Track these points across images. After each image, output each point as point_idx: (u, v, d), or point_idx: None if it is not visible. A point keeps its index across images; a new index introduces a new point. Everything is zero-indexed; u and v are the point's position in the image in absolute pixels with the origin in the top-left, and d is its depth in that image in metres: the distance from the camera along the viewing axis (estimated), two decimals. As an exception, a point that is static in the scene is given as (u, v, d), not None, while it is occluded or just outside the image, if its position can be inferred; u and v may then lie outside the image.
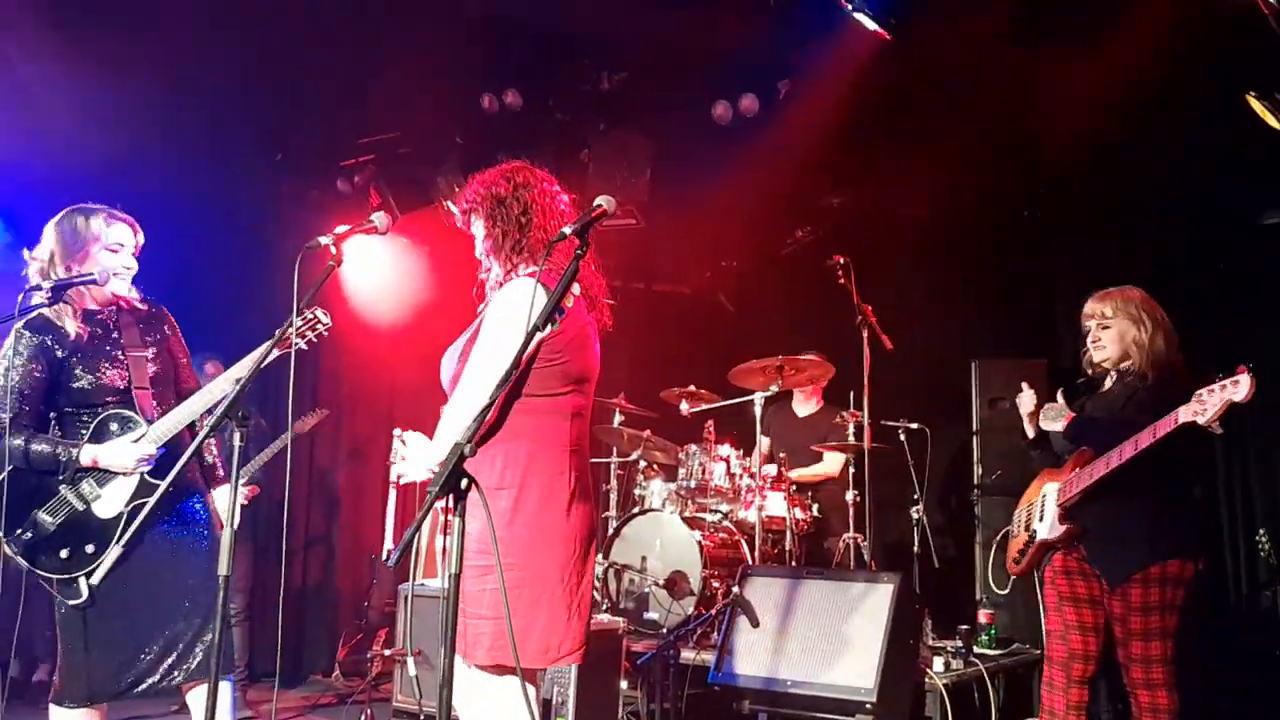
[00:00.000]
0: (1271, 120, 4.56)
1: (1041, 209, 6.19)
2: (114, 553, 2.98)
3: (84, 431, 3.11)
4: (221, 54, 5.05)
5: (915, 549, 5.58)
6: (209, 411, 3.13)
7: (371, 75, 5.53)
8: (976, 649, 4.76)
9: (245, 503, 4.63)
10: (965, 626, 4.79)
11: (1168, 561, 3.27)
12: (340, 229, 2.85)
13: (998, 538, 5.21)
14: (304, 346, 3.13)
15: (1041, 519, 3.56)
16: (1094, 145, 5.32)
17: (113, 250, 3.18)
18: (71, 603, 3.07)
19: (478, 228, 2.74)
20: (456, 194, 2.77)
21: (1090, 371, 3.65)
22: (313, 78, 5.52)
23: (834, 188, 6.62)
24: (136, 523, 3.03)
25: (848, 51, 4.95)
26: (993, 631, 4.96)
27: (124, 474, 3.10)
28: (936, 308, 6.51)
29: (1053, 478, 3.59)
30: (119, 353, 3.18)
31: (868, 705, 3.94)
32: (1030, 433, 3.70)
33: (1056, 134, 5.23)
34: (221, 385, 3.07)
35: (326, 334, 3.16)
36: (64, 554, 3.08)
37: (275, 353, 2.87)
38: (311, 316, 3.10)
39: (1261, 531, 5.05)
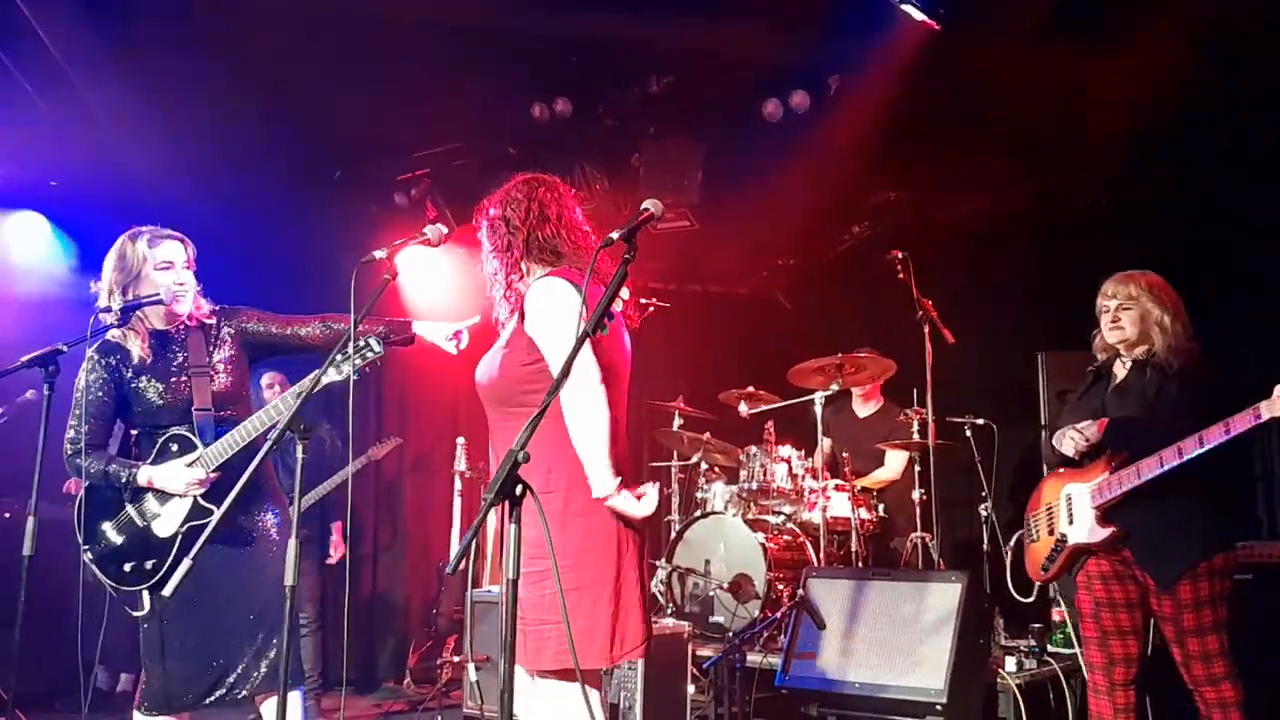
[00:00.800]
0: None
1: (1103, 201, 6.04)
2: (183, 568, 3.05)
3: (152, 451, 3.20)
4: (277, 73, 5.16)
5: (985, 547, 5.48)
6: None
7: (425, 89, 5.61)
8: (1050, 648, 4.66)
9: None
10: (1038, 625, 4.69)
11: (1214, 556, 3.20)
12: (395, 243, 2.91)
13: (1010, 543, 5.03)
14: (354, 376, 3.03)
15: (1072, 522, 3.42)
16: (1151, 139, 5.19)
17: (164, 269, 3.22)
18: (135, 614, 3.17)
19: (485, 239, 2.81)
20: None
21: (1100, 357, 3.53)
22: (367, 94, 5.62)
23: (889, 183, 6.55)
24: (200, 541, 3.08)
25: (897, 44, 4.90)
26: (1066, 630, 4.84)
27: (179, 496, 3.16)
28: (997, 302, 6.38)
29: (1073, 478, 3.44)
30: (184, 373, 3.24)
31: (938, 706, 3.88)
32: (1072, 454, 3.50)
33: (1113, 129, 5.11)
34: (278, 406, 3.11)
35: (379, 363, 3.08)
36: (127, 567, 3.17)
37: (334, 374, 2.92)
38: (363, 344, 3.04)
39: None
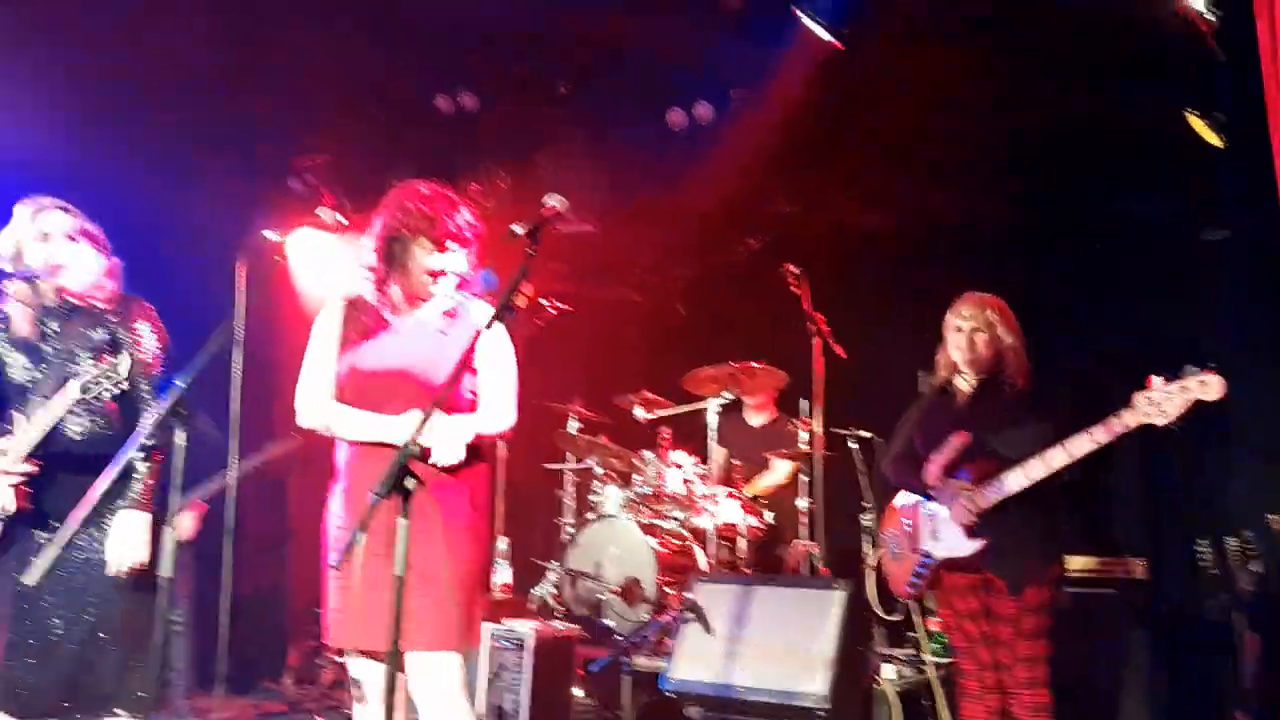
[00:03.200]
0: (1209, 136, 4.68)
1: (992, 221, 6.27)
2: (45, 558, 2.88)
3: (8, 428, 3.02)
4: (179, 51, 4.97)
5: (866, 556, 5.61)
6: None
7: (328, 74, 5.48)
8: (927, 656, 4.79)
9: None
10: (915, 633, 4.82)
11: (1055, 564, 3.46)
12: (288, 225, 2.83)
13: (870, 561, 5.19)
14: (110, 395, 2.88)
15: (936, 538, 3.52)
16: (1042, 156, 5.42)
17: (41, 240, 3.06)
18: None
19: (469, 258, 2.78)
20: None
21: (940, 375, 3.64)
22: (269, 76, 5.45)
23: (787, 196, 6.67)
24: (63, 534, 2.90)
25: (800, 60, 5.00)
26: (942, 638, 4.99)
27: None
28: (886, 317, 6.56)
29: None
30: (49, 354, 3.08)
31: (820, 712, 3.95)
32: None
33: (1007, 145, 5.32)
34: (60, 403, 2.90)
35: (117, 389, 2.88)
36: None
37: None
38: (112, 362, 2.86)
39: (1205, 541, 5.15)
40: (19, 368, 3.06)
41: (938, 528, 3.51)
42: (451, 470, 2.61)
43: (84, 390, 2.82)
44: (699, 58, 5.42)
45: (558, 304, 5.79)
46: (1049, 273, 5.91)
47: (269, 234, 2.80)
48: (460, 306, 2.79)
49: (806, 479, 5.71)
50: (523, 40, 5.44)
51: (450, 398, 2.58)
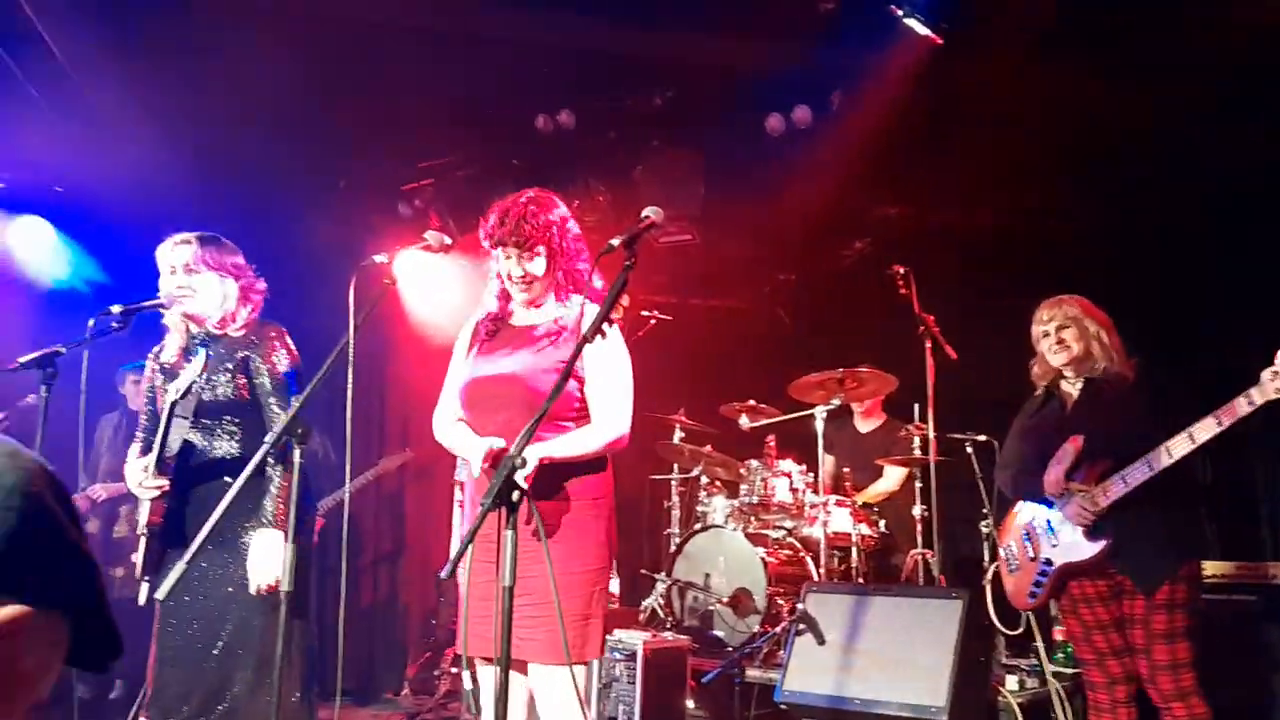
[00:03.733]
0: None
1: (1103, 219, 6.04)
2: (175, 573, 3.02)
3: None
4: (282, 80, 5.17)
5: (986, 564, 5.44)
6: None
7: (429, 100, 5.62)
8: (1052, 666, 4.62)
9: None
10: (1039, 644, 4.65)
11: (1192, 562, 3.25)
12: (396, 248, 2.92)
13: (987, 576, 5.01)
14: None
15: (1055, 545, 3.39)
16: (1152, 158, 5.20)
17: (169, 273, 3.24)
18: (140, 603, 3.16)
19: (539, 258, 2.82)
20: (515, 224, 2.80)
21: (1041, 385, 3.56)
22: (372, 104, 5.63)
23: (892, 199, 6.54)
24: (193, 548, 3.04)
25: (901, 59, 4.90)
26: (1068, 649, 4.80)
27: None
28: (999, 317, 6.36)
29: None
30: (189, 380, 3.20)
31: (938, 723, 3.85)
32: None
33: (1113, 145, 5.12)
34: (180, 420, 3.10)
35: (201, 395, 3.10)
36: (133, 557, 3.19)
37: None
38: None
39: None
40: (171, 392, 3.21)
41: (1057, 534, 3.39)
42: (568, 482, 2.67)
43: (179, 394, 3.01)
44: (796, 62, 5.36)
45: (659, 314, 5.79)
46: (1157, 267, 5.67)
47: (378, 257, 2.87)
48: (568, 315, 2.82)
49: (920, 485, 5.57)
50: (618, 56, 5.48)
51: (553, 407, 2.61)
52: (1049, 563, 3.40)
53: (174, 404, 3.02)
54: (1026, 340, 3.57)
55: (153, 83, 5.22)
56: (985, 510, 5.48)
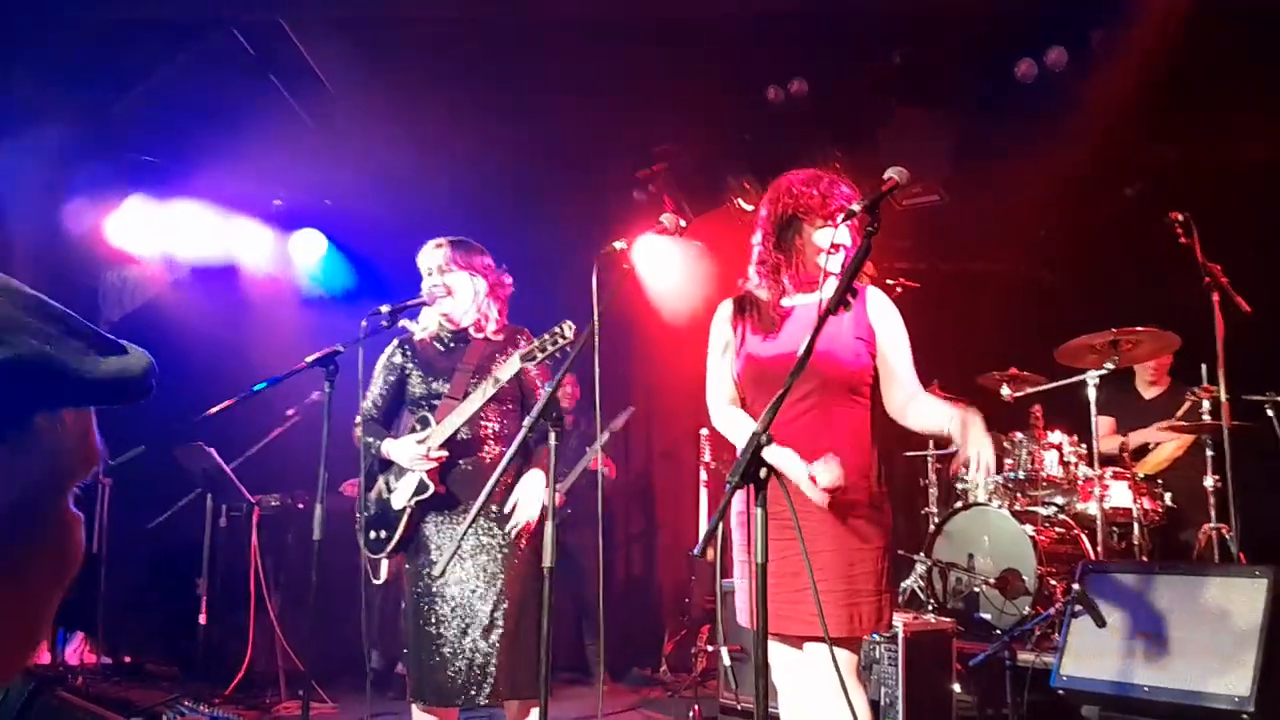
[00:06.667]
0: None
1: None
2: (448, 552, 3.20)
3: (415, 425, 3.39)
4: (523, 88, 5.39)
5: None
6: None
7: (659, 84, 5.66)
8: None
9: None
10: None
11: None
12: (634, 234, 2.94)
13: None
14: (547, 361, 3.14)
15: None
16: None
17: (426, 275, 3.45)
18: (375, 582, 3.38)
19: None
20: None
21: None
22: (605, 94, 5.73)
23: (1167, 138, 5.92)
24: (465, 527, 3.21)
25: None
26: None
27: (411, 470, 3.32)
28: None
29: None
30: (452, 369, 3.41)
31: (1243, 716, 3.45)
32: None
33: None
34: (485, 388, 3.22)
35: (569, 347, 3.09)
36: (373, 535, 3.40)
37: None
38: (557, 329, 3.09)
39: None
40: (418, 382, 3.43)
41: None
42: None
43: (528, 359, 3.11)
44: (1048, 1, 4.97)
45: (905, 281, 5.54)
46: None
47: (618, 244, 2.91)
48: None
49: (1212, 454, 5.03)
50: (849, 16, 5.27)
51: (848, 380, 2.70)
52: None
53: (523, 361, 3.14)
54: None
55: (409, 104, 5.59)
56: (1293, 479, 4.89)
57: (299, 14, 5.20)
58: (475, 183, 6.39)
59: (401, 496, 3.33)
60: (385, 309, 3.42)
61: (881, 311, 2.78)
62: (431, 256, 3.44)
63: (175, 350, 6.38)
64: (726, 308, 2.93)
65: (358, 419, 3.49)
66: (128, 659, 6.08)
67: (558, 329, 3.08)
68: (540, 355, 3.08)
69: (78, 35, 5.03)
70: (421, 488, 3.28)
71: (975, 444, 2.57)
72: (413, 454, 3.27)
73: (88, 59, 5.26)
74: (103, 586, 5.64)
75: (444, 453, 3.26)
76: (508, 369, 3.16)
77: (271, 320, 6.79)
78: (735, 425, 2.78)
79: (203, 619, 5.38)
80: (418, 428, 3.36)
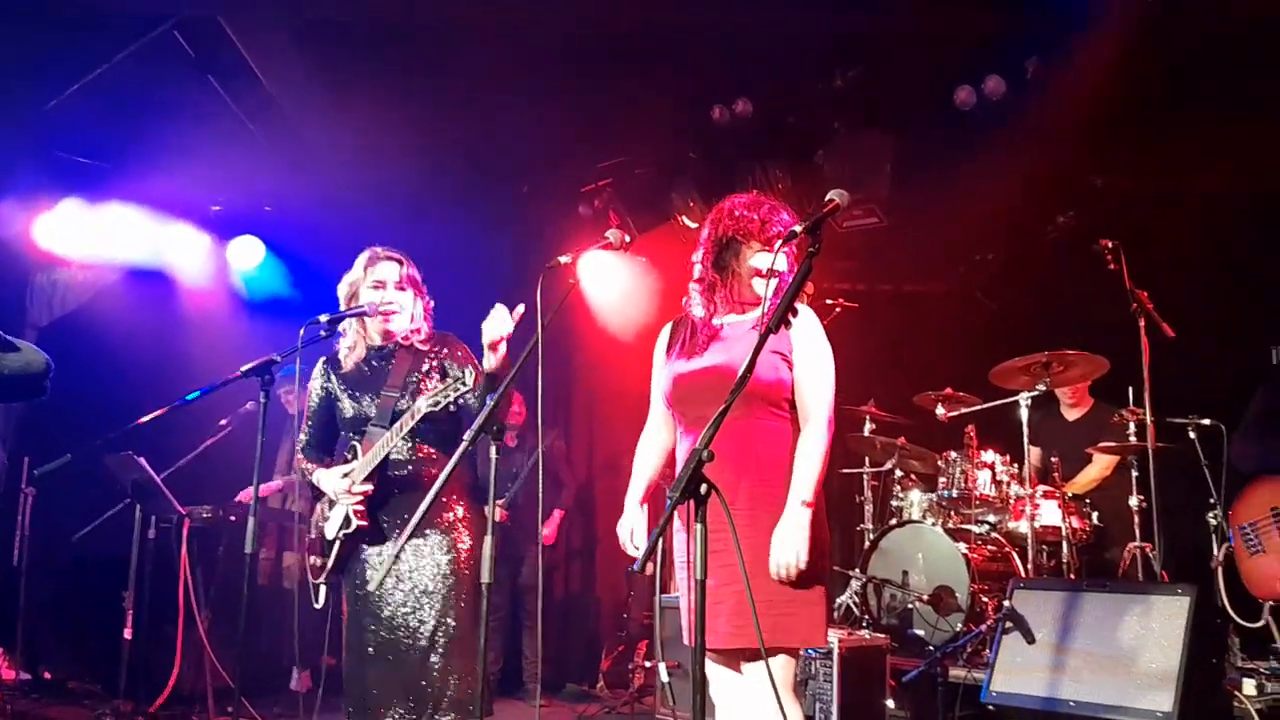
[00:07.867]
0: None
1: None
2: (380, 572, 3.17)
3: (346, 455, 3.34)
4: (466, 95, 5.37)
5: (1215, 558, 5.00)
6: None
7: (605, 100, 5.69)
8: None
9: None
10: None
11: None
12: (579, 249, 2.95)
13: (1217, 558, 4.55)
14: (451, 408, 3.15)
15: None
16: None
17: (375, 287, 3.36)
18: (316, 607, 3.35)
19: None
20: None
21: None
22: (551, 109, 5.74)
23: (1098, 169, 6.11)
24: (395, 549, 3.19)
25: (1106, 22, 4.56)
26: (1319, 651, 4.35)
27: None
28: (1223, 291, 5.84)
29: None
30: (380, 388, 3.35)
31: (1166, 731, 3.56)
32: None
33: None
34: (396, 430, 3.20)
35: (463, 400, 3.13)
36: (315, 561, 3.36)
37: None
38: (458, 376, 3.17)
39: None
40: (347, 404, 3.37)
41: None
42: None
43: (433, 405, 3.08)
44: (984, 31, 5.09)
45: (844, 302, 5.63)
46: None
47: (563, 258, 2.91)
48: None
49: (1137, 474, 5.18)
50: (794, 38, 5.35)
51: (764, 393, 2.71)
52: None
53: (431, 407, 3.11)
54: (1255, 315, 3.24)
55: (353, 107, 5.53)
56: (1212, 499, 5.04)
57: (237, 11, 5.10)
58: (418, 192, 6.33)
59: (332, 527, 3.31)
60: (324, 318, 3.35)
61: (804, 333, 2.81)
62: (386, 269, 3.39)
63: (107, 357, 6.27)
64: (665, 332, 3.00)
65: (297, 449, 3.49)
66: (48, 675, 5.88)
67: (459, 376, 3.15)
68: (444, 401, 3.08)
69: (11, 33, 4.90)
70: (347, 522, 3.25)
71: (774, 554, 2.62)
72: (337, 489, 3.25)
73: (20, 57, 5.12)
74: (23, 599, 5.47)
75: (368, 487, 3.21)
76: (417, 411, 3.14)
77: (207, 327, 6.66)
78: (639, 452, 2.98)
79: (128, 633, 5.22)
80: (349, 457, 3.33)
